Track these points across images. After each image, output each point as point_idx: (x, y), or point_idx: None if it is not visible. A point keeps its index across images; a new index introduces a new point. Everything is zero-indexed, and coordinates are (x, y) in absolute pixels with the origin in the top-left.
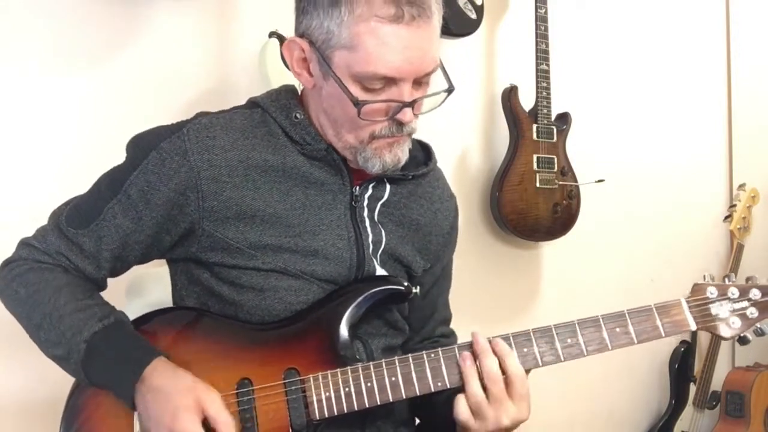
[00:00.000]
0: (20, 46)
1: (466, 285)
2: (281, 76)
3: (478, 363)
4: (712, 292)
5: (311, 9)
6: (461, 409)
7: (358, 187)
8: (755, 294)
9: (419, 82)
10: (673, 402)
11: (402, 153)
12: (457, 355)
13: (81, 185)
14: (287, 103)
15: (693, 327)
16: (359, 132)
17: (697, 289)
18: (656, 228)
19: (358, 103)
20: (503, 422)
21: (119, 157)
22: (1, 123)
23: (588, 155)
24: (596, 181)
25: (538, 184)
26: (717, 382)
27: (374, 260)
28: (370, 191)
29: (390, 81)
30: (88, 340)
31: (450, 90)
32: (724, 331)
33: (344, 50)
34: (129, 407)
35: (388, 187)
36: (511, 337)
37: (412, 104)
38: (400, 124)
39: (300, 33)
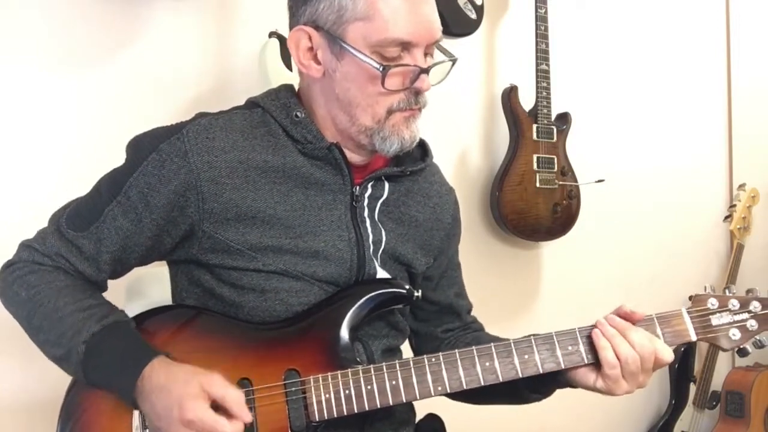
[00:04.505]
0: (19, 46)
1: (466, 285)
2: (281, 76)
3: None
4: (713, 303)
5: None
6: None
7: (358, 187)
8: (755, 306)
9: (426, 53)
10: (673, 402)
11: (417, 129)
12: (458, 359)
13: (80, 185)
14: (287, 102)
15: (693, 338)
16: (376, 109)
17: (697, 300)
18: (656, 228)
19: (383, 68)
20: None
21: (119, 157)
22: (0, 123)
23: (588, 155)
24: (596, 181)
25: (538, 184)
26: (717, 382)
27: (375, 261)
28: (369, 190)
29: (405, 48)
30: (87, 341)
31: (454, 60)
32: (724, 342)
33: (359, 22)
34: (131, 407)
35: (386, 185)
36: (512, 344)
37: (427, 71)
38: (417, 95)
39: (303, 23)
